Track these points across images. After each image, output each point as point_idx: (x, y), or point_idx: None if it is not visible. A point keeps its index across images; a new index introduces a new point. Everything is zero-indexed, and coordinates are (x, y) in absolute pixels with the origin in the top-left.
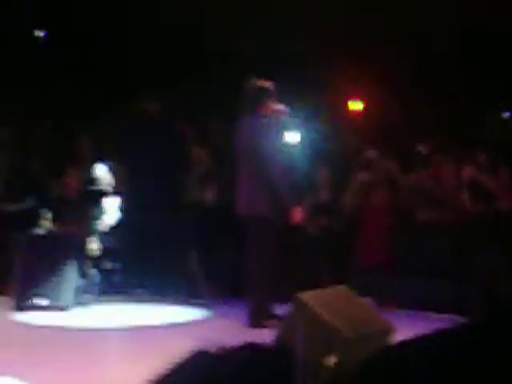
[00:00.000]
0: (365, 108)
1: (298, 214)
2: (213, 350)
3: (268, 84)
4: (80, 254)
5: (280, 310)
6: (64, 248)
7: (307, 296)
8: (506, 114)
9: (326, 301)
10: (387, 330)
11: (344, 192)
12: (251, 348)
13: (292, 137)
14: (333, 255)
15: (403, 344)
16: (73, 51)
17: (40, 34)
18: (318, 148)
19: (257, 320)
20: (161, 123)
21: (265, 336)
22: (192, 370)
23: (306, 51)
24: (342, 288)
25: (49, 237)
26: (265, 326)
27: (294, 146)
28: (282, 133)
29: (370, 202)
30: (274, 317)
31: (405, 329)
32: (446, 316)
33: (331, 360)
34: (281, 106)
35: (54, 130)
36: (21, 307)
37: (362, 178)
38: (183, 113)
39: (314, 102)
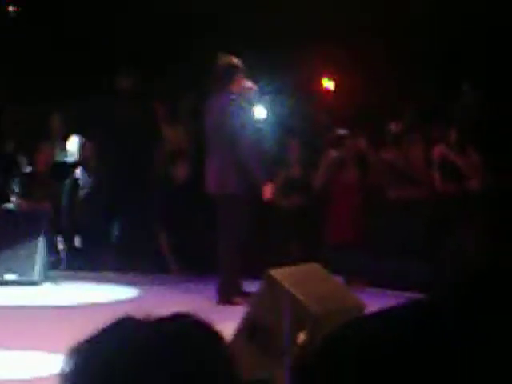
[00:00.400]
0: (336, 86)
1: (268, 191)
2: (140, 317)
3: (237, 61)
4: (49, 229)
5: (251, 286)
6: (33, 223)
7: (278, 273)
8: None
9: (297, 278)
10: (358, 308)
11: (315, 169)
12: (181, 317)
13: (259, 112)
14: (304, 232)
15: (364, 318)
16: (45, 27)
17: (13, 9)
18: (286, 124)
19: (225, 296)
20: (132, 99)
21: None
22: (115, 336)
23: (279, 27)
24: (313, 265)
25: (18, 212)
26: (233, 303)
27: (261, 121)
28: (252, 109)
29: (339, 179)
30: (243, 294)
31: (374, 306)
32: (416, 294)
33: (301, 337)
34: (249, 83)
35: (27, 107)
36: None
37: (331, 156)
38: (157, 89)
39: (284, 78)
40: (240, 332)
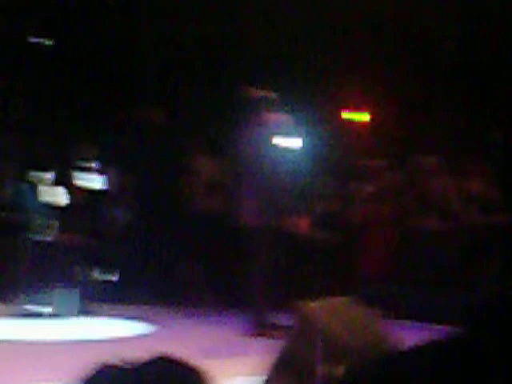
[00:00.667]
0: (371, 119)
1: (303, 224)
2: (120, 363)
3: (265, 93)
4: (83, 261)
5: (284, 319)
6: (67, 255)
7: (313, 306)
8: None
9: (332, 311)
10: (392, 342)
11: (350, 202)
12: (161, 362)
13: (293, 143)
14: (338, 265)
15: (396, 355)
16: (77, 57)
17: (46, 41)
18: (320, 156)
19: (256, 329)
20: (163, 130)
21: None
22: None
23: (313, 59)
24: (347, 298)
25: (52, 243)
26: (263, 335)
27: (294, 152)
28: (281, 141)
29: (374, 212)
30: (274, 327)
31: (407, 339)
32: (449, 327)
33: (338, 371)
34: (278, 115)
35: (57, 137)
36: (24, 314)
37: (366, 189)
38: (193, 121)
39: (317, 109)
40: (277, 366)
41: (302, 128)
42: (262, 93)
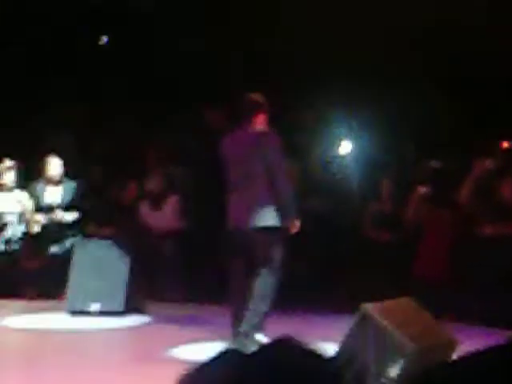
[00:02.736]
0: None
1: (296, 226)
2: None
3: (261, 98)
4: (133, 258)
5: (341, 320)
6: (117, 252)
7: (372, 307)
8: None
9: (390, 312)
10: (451, 344)
11: (406, 204)
12: (283, 344)
13: (345, 147)
14: (395, 267)
15: (458, 360)
16: (135, 58)
17: (103, 39)
18: (374, 158)
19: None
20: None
21: None
22: (219, 368)
23: (367, 62)
24: (405, 300)
25: (102, 241)
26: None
27: (346, 155)
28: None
29: (432, 214)
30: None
31: (466, 343)
32: (507, 331)
33: (395, 371)
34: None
35: (115, 136)
36: (74, 312)
37: (423, 191)
38: None
39: (369, 112)
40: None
41: (352, 132)
42: (259, 96)
